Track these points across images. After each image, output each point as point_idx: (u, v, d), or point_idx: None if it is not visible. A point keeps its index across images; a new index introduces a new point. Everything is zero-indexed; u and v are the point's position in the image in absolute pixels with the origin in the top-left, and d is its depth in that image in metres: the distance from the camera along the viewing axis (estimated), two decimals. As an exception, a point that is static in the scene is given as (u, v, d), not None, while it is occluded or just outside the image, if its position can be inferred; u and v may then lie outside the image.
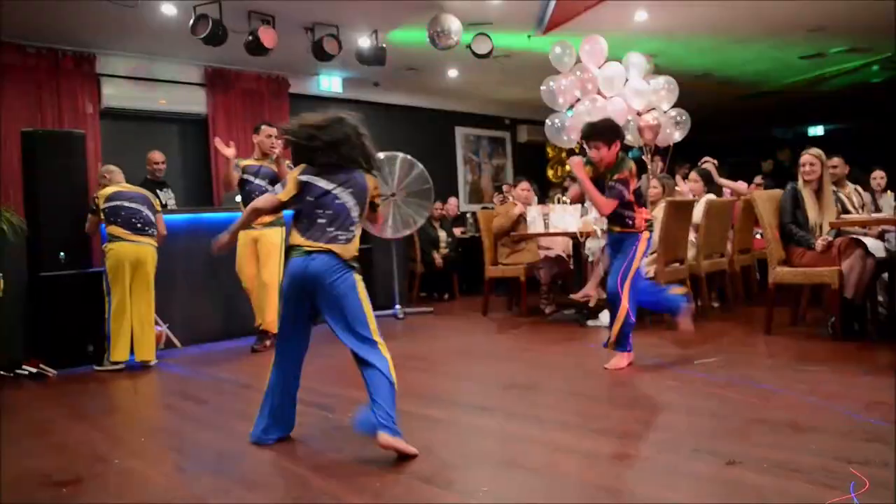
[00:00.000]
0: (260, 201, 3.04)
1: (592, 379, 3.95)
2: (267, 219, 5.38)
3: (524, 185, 6.87)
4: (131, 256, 5.00)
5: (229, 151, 5.43)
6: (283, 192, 2.90)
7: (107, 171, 5.23)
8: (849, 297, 4.38)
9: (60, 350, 5.06)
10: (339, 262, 2.76)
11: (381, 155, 6.83)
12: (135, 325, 5.03)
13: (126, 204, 5.06)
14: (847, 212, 4.85)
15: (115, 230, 4.99)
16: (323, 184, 2.84)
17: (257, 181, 5.48)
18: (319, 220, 2.80)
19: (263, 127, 5.65)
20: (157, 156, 6.68)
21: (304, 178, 2.86)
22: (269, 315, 5.36)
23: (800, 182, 4.77)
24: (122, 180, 5.22)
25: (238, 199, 6.11)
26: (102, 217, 5.03)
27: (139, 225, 5.07)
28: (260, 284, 5.44)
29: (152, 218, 5.19)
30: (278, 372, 2.98)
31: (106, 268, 4.99)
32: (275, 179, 5.50)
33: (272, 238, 5.47)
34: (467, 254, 8.74)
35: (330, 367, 4.86)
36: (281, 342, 2.99)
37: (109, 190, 5.07)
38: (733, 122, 13.43)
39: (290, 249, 2.83)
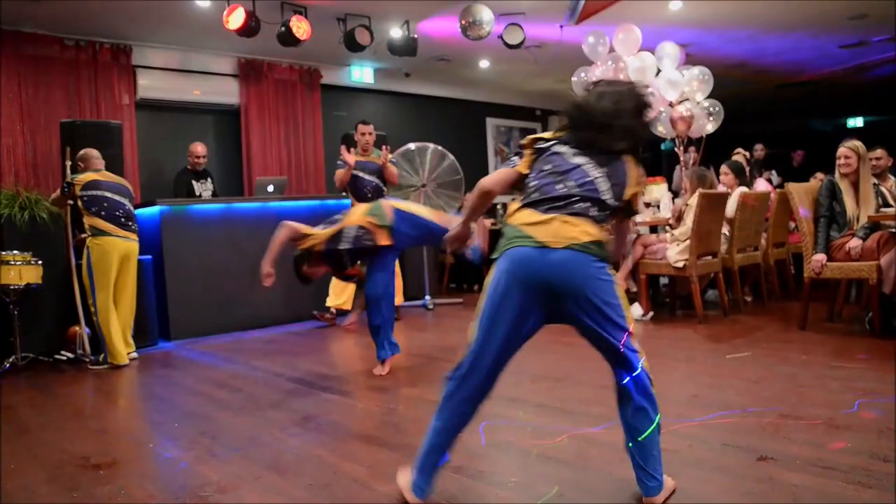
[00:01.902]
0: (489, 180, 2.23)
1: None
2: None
3: None
4: (120, 252, 4.86)
5: (351, 159, 5.76)
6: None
7: (82, 158, 4.96)
8: (887, 292, 4.29)
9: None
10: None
11: (413, 146, 6.88)
12: (120, 321, 4.92)
13: (108, 195, 4.86)
14: (888, 205, 4.74)
15: (99, 223, 4.79)
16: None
17: (367, 176, 5.85)
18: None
19: (359, 126, 5.97)
20: (199, 149, 6.78)
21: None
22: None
23: (837, 174, 4.68)
24: (101, 167, 4.99)
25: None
26: (79, 204, 4.80)
27: (123, 219, 4.92)
28: None
29: (133, 211, 5.05)
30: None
31: (90, 263, 4.77)
32: (380, 173, 5.88)
33: None
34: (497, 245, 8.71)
35: (357, 356, 4.90)
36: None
37: (87, 177, 4.84)
38: (769, 113, 13.19)
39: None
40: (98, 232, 4.80)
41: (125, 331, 4.96)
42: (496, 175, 2.23)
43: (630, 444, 2.07)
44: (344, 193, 6.37)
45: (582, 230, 2.01)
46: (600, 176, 2.06)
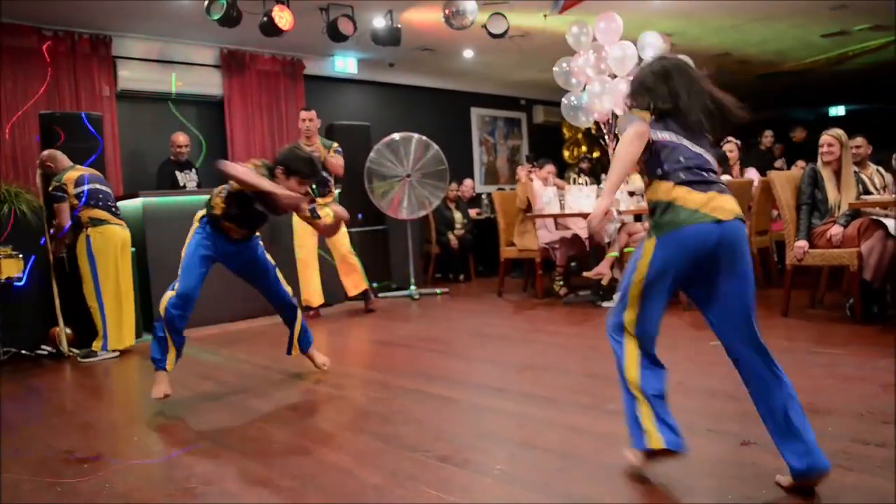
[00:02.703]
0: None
1: (608, 360, 3.93)
2: (326, 200, 5.83)
3: (549, 167, 6.86)
4: (119, 240, 4.94)
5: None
6: None
7: (51, 158, 4.96)
8: (868, 279, 4.34)
9: (79, 330, 5.11)
10: None
11: (397, 136, 6.86)
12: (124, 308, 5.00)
13: (98, 187, 4.93)
14: (868, 192, 4.79)
15: (97, 213, 4.86)
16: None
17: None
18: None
19: (301, 112, 5.99)
20: (180, 138, 6.73)
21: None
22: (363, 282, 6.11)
23: (819, 162, 4.73)
24: (68, 163, 4.99)
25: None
26: (76, 203, 4.83)
27: (114, 209, 5.00)
28: (340, 257, 5.99)
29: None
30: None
31: (91, 251, 4.82)
32: (324, 164, 5.85)
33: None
34: (483, 235, 8.73)
35: (343, 347, 4.90)
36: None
37: (74, 174, 4.88)
38: (752, 103, 13.23)
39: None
40: (98, 222, 4.86)
41: (128, 320, 5.02)
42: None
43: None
44: None
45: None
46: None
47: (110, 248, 4.88)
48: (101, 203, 4.89)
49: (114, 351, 4.85)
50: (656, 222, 2.18)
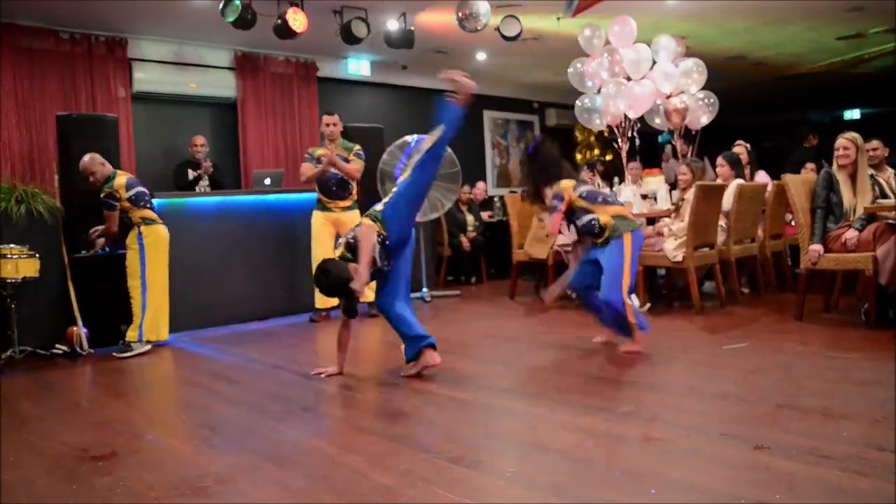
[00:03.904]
0: None
1: (620, 363, 3.93)
2: (345, 203, 5.94)
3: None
4: (167, 238, 5.17)
5: (328, 155, 5.76)
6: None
7: (94, 162, 5.01)
8: (883, 283, 4.30)
9: (95, 329, 5.15)
10: None
11: (409, 138, 6.86)
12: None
13: (142, 189, 5.11)
14: (885, 196, 4.75)
15: (147, 213, 5.06)
16: None
17: (333, 169, 5.82)
18: None
19: (324, 116, 6.03)
20: (197, 139, 6.96)
21: None
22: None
23: (834, 166, 4.69)
24: (110, 167, 5.09)
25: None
26: (128, 206, 4.99)
27: (155, 210, 5.20)
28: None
29: None
30: None
31: (143, 247, 5.00)
32: (345, 162, 5.89)
33: (353, 219, 5.78)
34: (495, 238, 8.73)
35: (355, 348, 4.91)
36: None
37: (122, 179, 5.03)
38: (767, 106, 13.20)
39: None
40: (150, 221, 5.08)
41: (165, 316, 5.19)
42: None
43: None
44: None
45: None
46: None
47: (161, 245, 5.11)
48: (147, 204, 5.10)
49: (147, 343, 4.98)
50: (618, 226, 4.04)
